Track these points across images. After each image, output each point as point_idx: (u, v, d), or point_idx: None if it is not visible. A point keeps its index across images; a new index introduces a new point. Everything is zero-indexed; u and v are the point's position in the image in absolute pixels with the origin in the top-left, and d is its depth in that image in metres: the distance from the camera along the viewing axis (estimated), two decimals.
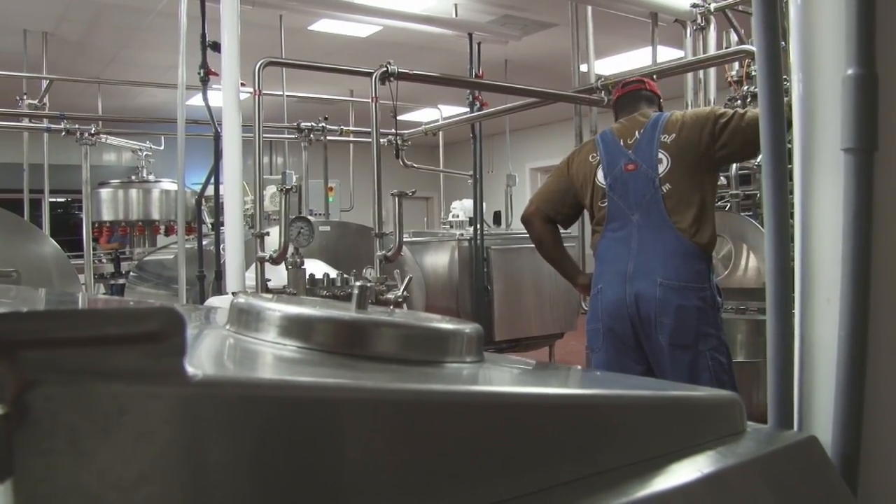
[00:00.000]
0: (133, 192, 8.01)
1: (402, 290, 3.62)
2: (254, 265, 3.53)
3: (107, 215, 7.96)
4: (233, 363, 0.77)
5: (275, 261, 3.48)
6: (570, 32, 5.62)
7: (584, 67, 5.44)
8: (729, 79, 4.82)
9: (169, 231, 7.93)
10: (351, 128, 7.61)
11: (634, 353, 2.95)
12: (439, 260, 6.01)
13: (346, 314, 0.80)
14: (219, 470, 0.52)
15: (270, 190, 5.58)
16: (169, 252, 6.06)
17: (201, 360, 0.70)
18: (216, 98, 3.67)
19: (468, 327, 0.86)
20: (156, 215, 8.04)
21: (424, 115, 10.36)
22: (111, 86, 8.53)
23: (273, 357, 0.76)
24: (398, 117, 4.72)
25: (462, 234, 6.09)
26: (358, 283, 0.86)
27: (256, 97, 3.71)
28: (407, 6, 6.45)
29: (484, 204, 6.11)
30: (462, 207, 6.87)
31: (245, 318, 0.83)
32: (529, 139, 12.92)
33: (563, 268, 3.38)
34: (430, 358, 0.80)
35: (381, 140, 5.75)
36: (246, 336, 0.82)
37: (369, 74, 3.99)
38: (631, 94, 3.28)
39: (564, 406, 0.76)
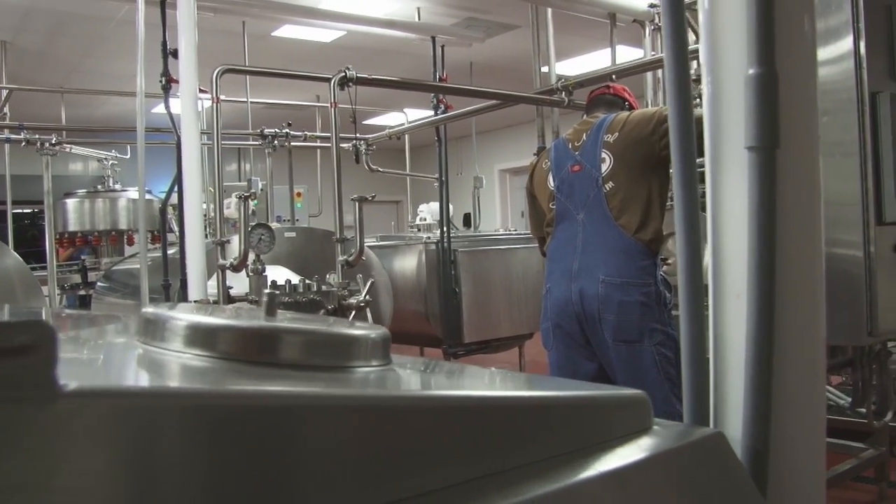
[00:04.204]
0: (99, 202, 7.93)
1: (364, 294, 3.61)
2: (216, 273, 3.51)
3: (73, 225, 7.88)
4: (123, 374, 0.77)
5: (236, 268, 3.46)
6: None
7: (545, 69, 5.46)
8: None
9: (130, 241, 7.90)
10: (317, 133, 7.59)
11: (585, 350, 2.99)
12: (407, 263, 6.00)
13: (248, 322, 0.81)
14: (89, 479, 0.52)
15: (235, 197, 5.54)
16: (136, 261, 6.00)
17: (87, 372, 0.70)
18: (179, 106, 3.65)
19: (374, 332, 0.87)
20: (123, 224, 7.97)
21: (391, 119, 10.35)
22: (75, 95, 8.45)
23: (175, 366, 0.76)
24: (361, 122, 4.74)
25: (429, 238, 6.08)
26: (267, 291, 0.86)
27: (215, 104, 3.70)
28: (369, 11, 6.44)
29: (451, 206, 6.11)
30: (429, 210, 6.86)
31: (152, 329, 0.83)
32: (497, 141, 12.95)
33: None
34: (335, 363, 0.81)
35: (345, 145, 5.74)
36: (153, 346, 0.82)
37: (328, 80, 3.98)
38: (594, 99, 3.36)
39: (465, 407, 0.77)
